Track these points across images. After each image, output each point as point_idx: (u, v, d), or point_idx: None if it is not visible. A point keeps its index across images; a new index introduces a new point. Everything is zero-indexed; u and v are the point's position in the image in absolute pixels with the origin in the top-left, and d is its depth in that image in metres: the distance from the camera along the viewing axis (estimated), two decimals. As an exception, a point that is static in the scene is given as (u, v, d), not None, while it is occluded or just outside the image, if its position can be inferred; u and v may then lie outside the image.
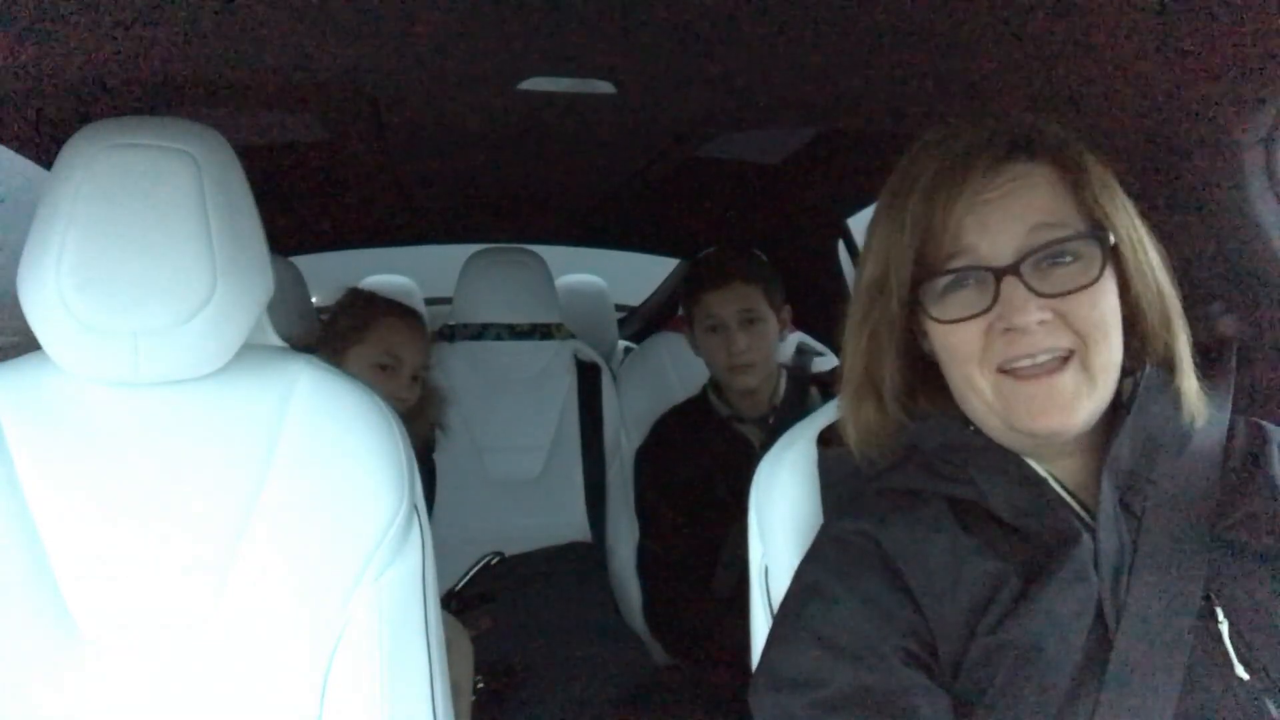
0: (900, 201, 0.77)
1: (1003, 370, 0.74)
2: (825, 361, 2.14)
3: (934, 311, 0.77)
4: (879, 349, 0.81)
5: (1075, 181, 0.76)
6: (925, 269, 0.77)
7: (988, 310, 0.74)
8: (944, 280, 0.76)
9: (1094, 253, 0.74)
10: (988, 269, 0.74)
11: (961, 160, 0.75)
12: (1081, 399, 0.73)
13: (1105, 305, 0.74)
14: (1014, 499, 0.77)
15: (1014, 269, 0.73)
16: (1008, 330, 0.73)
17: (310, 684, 0.97)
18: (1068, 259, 0.74)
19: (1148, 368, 0.78)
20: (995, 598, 0.73)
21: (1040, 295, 0.72)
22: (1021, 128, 0.78)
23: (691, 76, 1.25)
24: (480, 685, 1.53)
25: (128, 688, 0.95)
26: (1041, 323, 0.72)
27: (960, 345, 0.76)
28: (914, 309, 0.79)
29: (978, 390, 0.76)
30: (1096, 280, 0.73)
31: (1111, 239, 0.75)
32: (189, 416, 0.99)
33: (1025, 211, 0.74)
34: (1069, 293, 0.73)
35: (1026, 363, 0.73)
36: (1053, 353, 0.73)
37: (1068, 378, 0.73)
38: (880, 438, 0.83)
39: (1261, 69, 0.94)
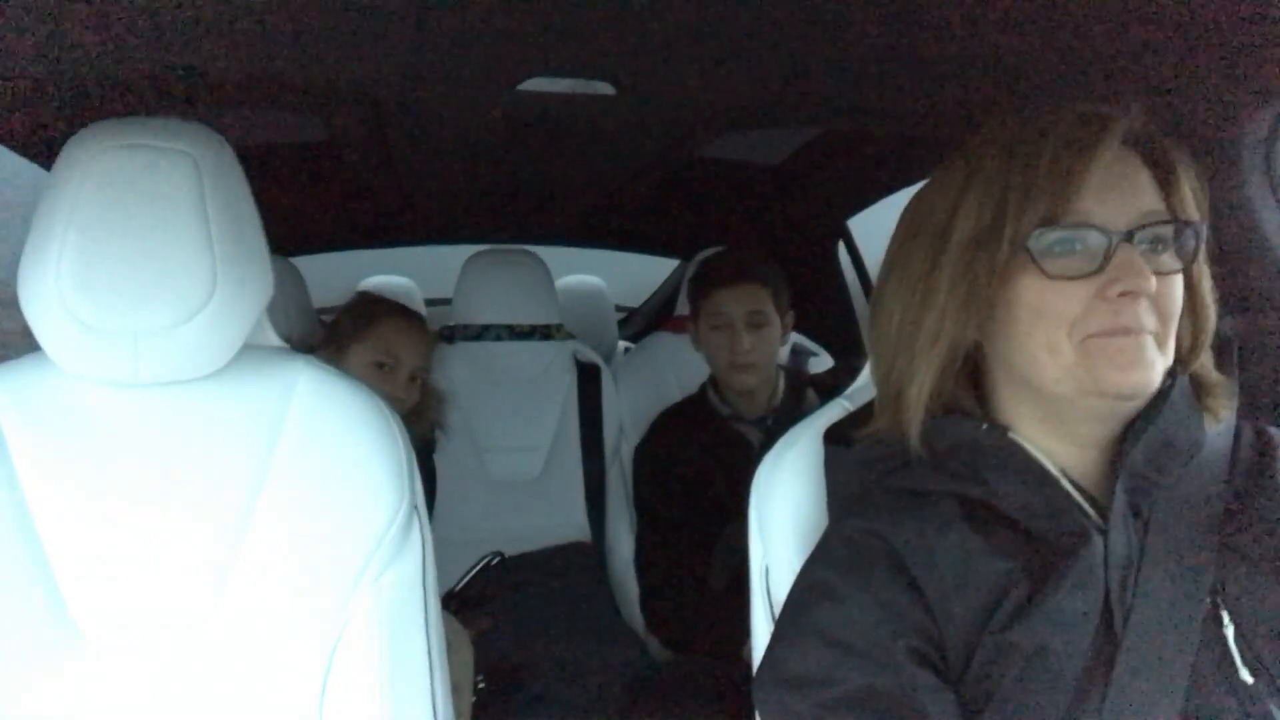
0: (1030, 148, 0.74)
1: (1091, 335, 0.73)
2: (820, 362, 2.14)
3: (1045, 265, 0.74)
4: (973, 305, 0.77)
5: (1166, 179, 0.77)
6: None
7: (1098, 272, 0.73)
8: (1055, 234, 0.74)
9: (1188, 244, 0.75)
10: (1105, 232, 0.73)
11: (1098, 123, 0.75)
12: (1158, 364, 0.73)
13: (1181, 295, 0.75)
14: (1025, 499, 0.77)
15: (1130, 238, 0.73)
16: (1123, 294, 0.72)
17: (310, 684, 0.97)
18: (1162, 246, 0.74)
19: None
20: (1004, 598, 0.73)
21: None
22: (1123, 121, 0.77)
23: (691, 76, 1.25)
24: (480, 685, 1.53)
25: (128, 688, 0.95)
26: (1148, 296, 0.72)
27: (1058, 305, 0.74)
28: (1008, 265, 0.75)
29: (1058, 353, 0.74)
30: (1189, 267, 0.75)
31: (1204, 233, 0.75)
32: (189, 417, 0.99)
33: (1140, 191, 0.75)
34: (1168, 273, 0.74)
35: (1121, 334, 0.73)
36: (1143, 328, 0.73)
37: (1146, 339, 0.73)
38: (931, 409, 0.80)
39: (1261, 69, 0.94)
